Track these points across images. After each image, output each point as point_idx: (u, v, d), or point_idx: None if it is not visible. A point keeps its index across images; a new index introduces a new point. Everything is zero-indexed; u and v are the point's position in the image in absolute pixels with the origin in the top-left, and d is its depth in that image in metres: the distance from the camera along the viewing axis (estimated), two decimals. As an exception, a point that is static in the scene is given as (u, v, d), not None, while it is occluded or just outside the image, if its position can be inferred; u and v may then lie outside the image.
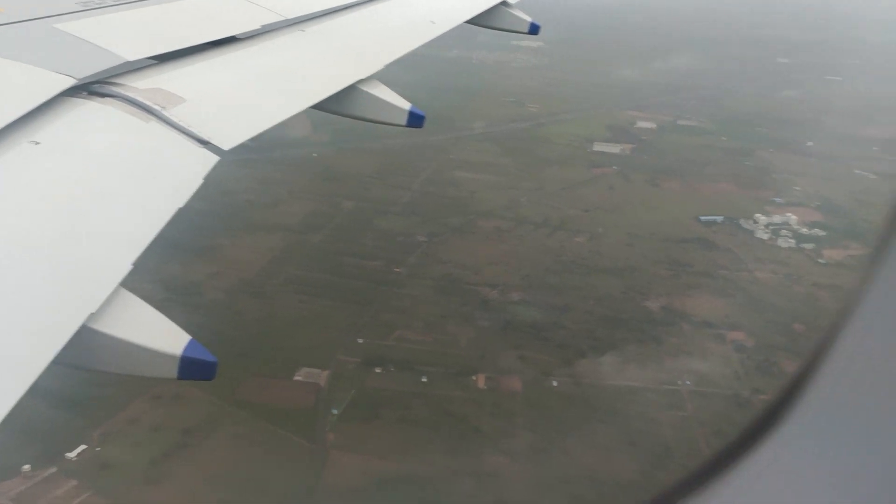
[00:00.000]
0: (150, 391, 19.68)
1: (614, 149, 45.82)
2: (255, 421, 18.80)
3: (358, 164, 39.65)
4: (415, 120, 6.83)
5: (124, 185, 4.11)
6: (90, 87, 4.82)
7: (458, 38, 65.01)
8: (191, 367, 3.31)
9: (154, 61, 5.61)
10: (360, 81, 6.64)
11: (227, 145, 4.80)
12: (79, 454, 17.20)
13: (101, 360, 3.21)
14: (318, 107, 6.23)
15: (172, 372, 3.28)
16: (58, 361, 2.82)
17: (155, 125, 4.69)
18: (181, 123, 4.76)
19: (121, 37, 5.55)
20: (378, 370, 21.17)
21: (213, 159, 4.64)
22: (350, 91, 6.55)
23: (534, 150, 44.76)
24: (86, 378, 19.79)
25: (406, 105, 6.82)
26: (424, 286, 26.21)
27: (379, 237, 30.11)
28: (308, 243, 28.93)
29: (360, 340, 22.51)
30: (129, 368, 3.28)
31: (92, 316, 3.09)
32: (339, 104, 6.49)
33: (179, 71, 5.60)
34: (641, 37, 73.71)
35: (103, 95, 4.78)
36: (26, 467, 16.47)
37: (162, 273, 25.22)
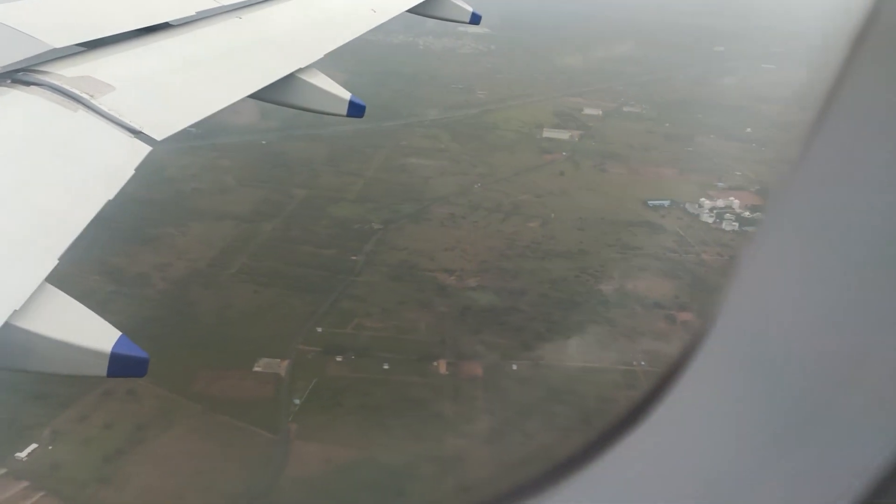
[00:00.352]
0: (101, 387, 19.01)
1: (563, 135, 46.46)
2: (213, 414, 18.41)
3: (307, 151, 39.04)
4: (355, 110, 6.78)
5: (50, 177, 3.98)
6: (14, 75, 4.67)
7: (404, 24, 64.60)
8: (121, 364, 3.22)
9: (83, 48, 5.45)
10: (300, 70, 6.56)
11: (159, 135, 4.71)
12: (29, 454, 16.51)
13: (27, 360, 3.11)
14: (256, 96, 6.15)
15: (102, 369, 3.20)
16: None
17: (83, 114, 4.54)
18: (111, 112, 4.62)
19: (47, 22, 5.33)
20: (339, 358, 21.01)
21: (146, 149, 4.54)
22: (289, 80, 6.45)
23: (483, 137, 44.98)
24: (29, 376, 18.99)
25: (346, 94, 6.76)
26: (381, 273, 26.10)
27: (333, 225, 29.79)
28: (260, 232, 28.38)
29: (320, 329, 22.29)
30: (56, 367, 3.19)
31: (16, 313, 3.00)
32: (277, 93, 6.40)
33: (109, 58, 5.44)
34: (580, 24, 74.71)
35: (28, 83, 4.62)
36: (-29, 469, 15.75)
37: (108, 265, 24.38)
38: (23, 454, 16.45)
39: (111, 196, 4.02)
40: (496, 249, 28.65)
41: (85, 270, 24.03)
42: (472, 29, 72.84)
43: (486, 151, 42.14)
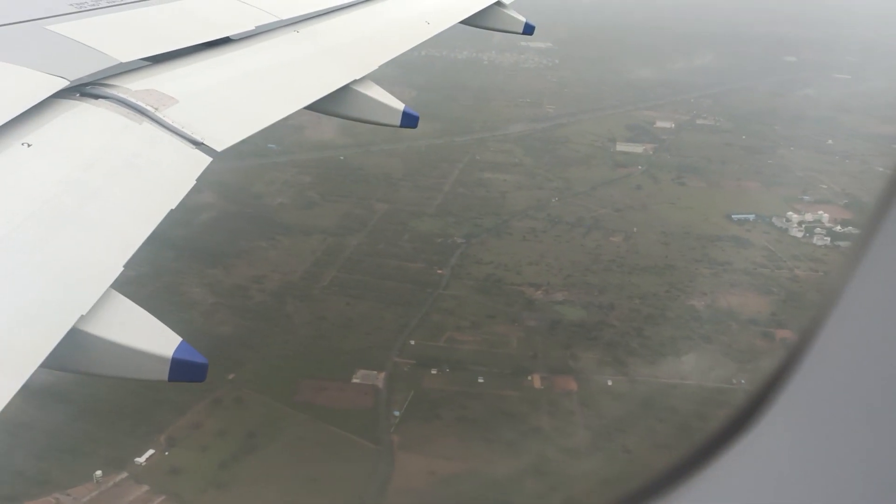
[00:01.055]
0: (210, 395, 19.73)
1: (637, 148, 45.93)
2: (318, 423, 18.85)
3: (384, 166, 39.74)
4: (408, 120, 6.82)
5: (116, 186, 4.07)
6: (83, 89, 4.79)
7: (467, 40, 65.05)
8: (182, 369, 3.27)
9: (147, 62, 5.60)
10: (354, 82, 6.64)
11: (220, 146, 4.81)
12: (147, 459, 17.24)
13: (91, 363, 3.18)
14: (312, 107, 6.24)
15: (163, 374, 3.26)
16: (48, 364, 2.81)
17: (148, 126, 4.66)
18: (174, 124, 4.74)
19: (114, 38, 5.51)
20: (434, 371, 21.23)
21: (206, 160, 4.63)
22: (344, 91, 6.54)
23: (556, 151, 44.86)
24: (144, 384, 19.84)
25: (400, 105, 6.80)
26: (468, 287, 26.28)
27: (416, 239, 30.18)
28: (347, 246, 28.99)
29: (413, 342, 22.58)
30: (120, 371, 3.26)
31: (82, 318, 3.06)
32: (333, 105, 6.49)
33: (173, 72, 5.57)
34: (645, 36, 73.86)
35: (96, 97, 4.74)
36: (98, 473, 16.52)
37: (208, 276, 25.31)
38: (141, 459, 17.19)
39: (174, 205, 4.11)
40: (581, 264, 28.48)
41: (187, 282, 25.06)
42: (535, 43, 73.24)
43: (561, 166, 42.01)
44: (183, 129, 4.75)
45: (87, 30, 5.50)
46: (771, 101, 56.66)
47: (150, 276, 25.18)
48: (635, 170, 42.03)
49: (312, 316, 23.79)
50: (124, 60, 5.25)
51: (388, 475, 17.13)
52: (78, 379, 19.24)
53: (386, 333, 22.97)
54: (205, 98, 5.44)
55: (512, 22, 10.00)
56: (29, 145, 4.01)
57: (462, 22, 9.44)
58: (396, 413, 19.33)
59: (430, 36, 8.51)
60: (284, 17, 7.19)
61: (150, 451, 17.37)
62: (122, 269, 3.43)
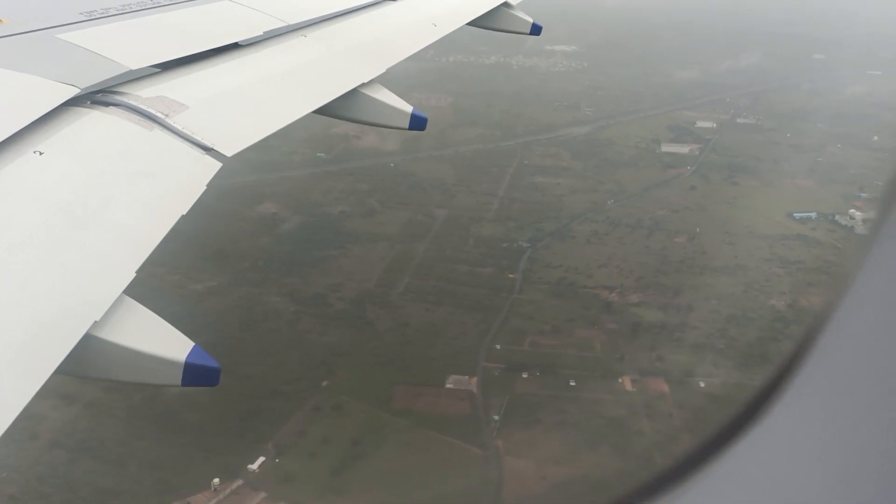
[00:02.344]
0: (308, 403, 19.92)
1: (682, 149, 45.79)
2: (419, 429, 18.96)
3: (435, 172, 39.91)
4: (417, 123, 6.86)
5: (127, 193, 4.10)
6: (94, 97, 4.84)
7: (496, 45, 65.02)
8: (195, 374, 3.30)
9: (157, 69, 5.67)
10: (363, 85, 6.69)
11: (230, 152, 4.86)
12: (259, 466, 17.42)
13: (105, 369, 3.21)
14: (321, 111, 6.30)
15: (176, 378, 3.31)
16: (62, 370, 2.85)
17: (158, 133, 4.71)
18: (184, 130, 4.78)
19: (123, 46, 5.53)
20: (524, 375, 21.29)
21: (216, 166, 4.67)
22: (352, 95, 6.58)
23: (602, 154, 44.84)
24: (244, 391, 20.05)
25: (408, 108, 6.87)
26: (542, 291, 26.32)
27: (481, 244, 30.28)
28: (415, 252, 29.13)
29: (498, 346, 22.65)
30: (133, 376, 3.31)
31: (96, 324, 3.08)
32: (341, 108, 6.54)
33: (182, 78, 5.61)
34: (669, 37, 73.60)
35: (107, 104, 4.78)
36: (216, 480, 16.71)
37: (286, 285, 25.55)
38: (254, 466, 17.37)
39: (185, 211, 4.14)
40: (650, 265, 28.45)
41: (266, 292, 25.31)
42: (561, 46, 73.19)
43: (609, 168, 42.00)
44: (193, 135, 4.78)
45: (96, 38, 5.52)
46: (809, 100, 56.35)
47: (230, 286, 25.48)
48: (685, 170, 41.91)
49: (394, 322, 23.93)
50: (134, 68, 5.29)
51: (499, 480, 17.19)
52: (178, 391, 19.49)
53: (470, 339, 23.06)
54: (214, 104, 5.47)
55: (519, 23, 10.02)
56: (41, 153, 4.02)
57: (469, 24, 9.47)
58: (496, 418, 19.40)
59: (437, 38, 8.55)
60: (292, 22, 7.24)
61: (261, 459, 17.56)
62: (134, 274, 3.46)
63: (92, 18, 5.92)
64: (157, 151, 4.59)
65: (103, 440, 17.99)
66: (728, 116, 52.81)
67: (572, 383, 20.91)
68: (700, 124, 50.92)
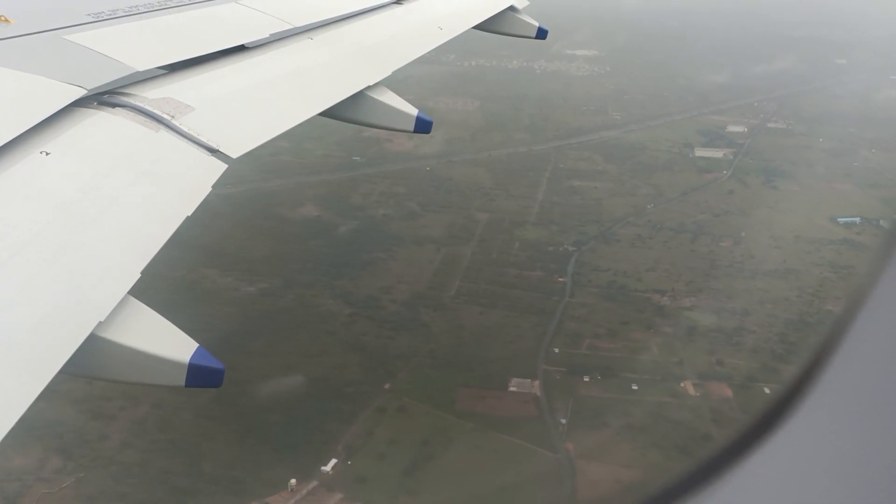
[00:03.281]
0: (372, 405, 19.92)
1: (716, 153, 45.65)
2: (487, 432, 18.91)
3: (472, 175, 39.92)
4: (422, 126, 6.92)
5: (133, 194, 4.10)
6: (100, 98, 4.84)
7: (517, 49, 65.05)
8: (199, 375, 3.29)
9: (164, 71, 5.68)
10: (368, 88, 6.71)
11: (235, 153, 4.87)
12: (332, 467, 17.42)
13: (110, 369, 3.21)
14: (327, 114, 6.32)
15: (180, 379, 3.30)
16: (67, 370, 2.83)
17: (164, 134, 4.72)
18: (190, 132, 4.79)
19: (130, 47, 5.53)
20: (586, 378, 21.22)
21: (222, 167, 4.67)
22: (358, 97, 6.60)
23: (636, 157, 44.73)
24: (308, 392, 20.07)
25: (413, 111, 6.93)
26: (593, 294, 26.26)
27: (527, 247, 30.25)
28: (462, 255, 29.13)
29: (556, 350, 22.59)
30: (138, 377, 3.31)
31: (101, 325, 3.07)
32: (347, 110, 6.55)
33: (189, 80, 5.62)
34: (687, 41, 73.39)
35: (113, 105, 4.77)
36: (293, 481, 16.72)
37: (337, 289, 25.60)
38: (327, 467, 17.37)
39: (190, 212, 4.14)
40: (698, 269, 28.34)
41: (320, 294, 25.36)
42: (582, 51, 73.24)
43: (645, 172, 41.89)
44: (199, 137, 4.78)
45: (103, 39, 5.52)
46: (834, 104, 56.20)
47: (283, 289, 25.56)
48: (721, 175, 41.76)
49: (450, 325, 23.91)
50: (141, 69, 5.30)
51: (573, 483, 17.12)
52: (243, 392, 19.53)
53: (527, 342, 23.02)
54: (220, 106, 5.47)
55: (525, 26, 9.98)
56: (47, 153, 4.01)
57: (475, 27, 9.44)
58: (563, 421, 19.33)
59: (443, 41, 8.60)
60: (298, 25, 7.25)
61: (334, 460, 17.56)
62: (139, 275, 3.45)
63: (99, 20, 5.90)
64: (162, 152, 4.58)
65: (174, 441, 18.04)
66: (757, 121, 52.69)
67: (634, 387, 20.82)
68: (731, 129, 50.80)
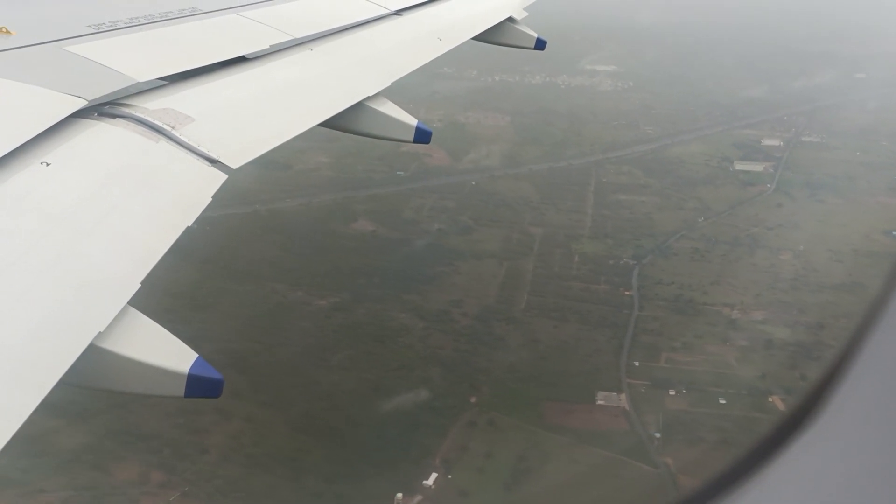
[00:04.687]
0: (460, 419, 19.84)
1: (756, 167, 45.71)
2: (581, 446, 18.81)
3: (518, 190, 40.04)
4: (421, 136, 6.90)
5: (133, 204, 4.10)
6: (101, 109, 4.84)
7: (538, 64, 65.39)
8: (198, 385, 3.25)
9: (164, 82, 5.68)
10: (368, 98, 6.68)
11: (235, 164, 4.86)
12: (434, 482, 17.33)
13: (109, 380, 3.19)
14: (327, 124, 6.31)
15: (180, 390, 3.27)
16: (67, 381, 2.80)
17: (165, 145, 4.72)
18: (190, 143, 4.79)
19: (131, 58, 5.55)
20: (672, 392, 21.11)
21: (222, 178, 4.67)
22: (358, 108, 6.60)
23: (676, 171, 44.81)
24: (396, 406, 20.01)
25: (413, 121, 6.88)
26: (662, 308, 26.20)
27: (587, 261, 30.25)
28: (524, 269, 29.13)
29: (637, 363, 22.51)
30: (137, 387, 3.28)
31: (100, 335, 3.05)
32: (347, 121, 6.54)
33: (189, 91, 5.63)
34: (704, 56, 73.52)
35: (114, 116, 4.78)
36: (399, 495, 16.64)
37: (408, 303, 25.59)
38: (429, 482, 17.28)
39: (190, 223, 4.13)
40: (763, 282, 28.27)
41: (391, 308, 25.35)
42: (602, 66, 73.58)
43: (688, 186, 41.93)
44: (199, 148, 4.78)
45: (104, 50, 5.53)
46: (865, 118, 56.22)
47: (353, 303, 25.57)
48: (765, 188, 41.81)
49: (525, 339, 23.86)
50: (141, 80, 5.33)
51: (678, 499, 16.96)
52: (331, 406, 19.48)
53: (605, 355, 22.94)
54: (220, 116, 5.48)
55: (524, 37, 10.02)
56: (48, 164, 4.01)
57: (474, 38, 9.46)
58: (657, 435, 19.21)
59: (442, 52, 8.53)
60: (298, 36, 7.25)
61: (434, 475, 17.46)
62: (139, 285, 3.42)
63: (100, 31, 5.93)
64: (163, 163, 4.60)
65: (272, 454, 17.98)
66: (790, 135, 52.77)
67: (722, 401, 20.70)
68: (766, 142, 50.87)
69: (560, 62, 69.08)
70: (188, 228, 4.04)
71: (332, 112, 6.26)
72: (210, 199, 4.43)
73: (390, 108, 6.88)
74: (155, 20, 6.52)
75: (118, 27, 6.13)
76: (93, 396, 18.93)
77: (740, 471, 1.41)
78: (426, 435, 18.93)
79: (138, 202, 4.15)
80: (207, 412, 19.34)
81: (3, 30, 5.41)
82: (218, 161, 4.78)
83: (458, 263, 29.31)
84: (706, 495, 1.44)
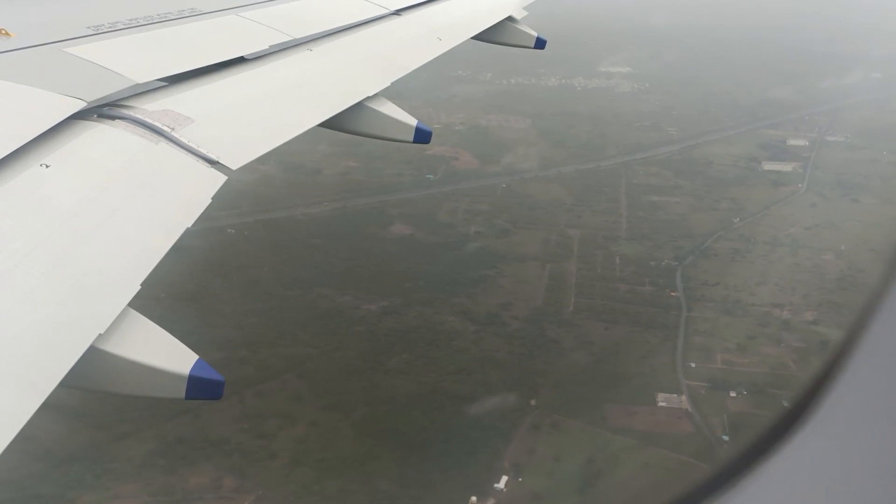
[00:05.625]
0: (523, 421, 19.79)
1: (785, 167, 45.60)
2: (649, 448, 18.74)
3: (549, 192, 40.02)
4: (421, 136, 6.84)
5: (133, 206, 4.07)
6: (100, 110, 4.82)
7: (553, 67, 65.41)
8: (199, 387, 3.24)
9: (163, 83, 5.65)
10: (367, 98, 6.64)
11: (234, 165, 4.82)
12: (505, 485, 17.28)
13: (110, 382, 3.17)
14: (327, 125, 6.25)
15: (180, 392, 3.25)
16: (67, 383, 2.78)
17: (164, 146, 4.69)
18: (190, 144, 4.77)
19: (130, 60, 5.53)
20: (732, 394, 21.02)
21: (222, 179, 4.63)
22: (358, 108, 6.55)
23: (705, 172, 44.72)
24: (458, 409, 19.97)
25: (413, 121, 6.83)
26: (711, 309, 26.12)
27: (629, 263, 30.18)
28: (567, 271, 29.08)
29: (693, 365, 22.43)
30: (137, 389, 3.27)
31: (100, 337, 3.04)
32: (346, 121, 6.50)
33: (188, 92, 5.60)
34: (717, 58, 73.35)
35: (113, 117, 4.75)
36: (473, 499, 16.60)
37: (456, 306, 25.57)
38: (500, 485, 17.24)
39: (190, 224, 4.08)
40: (809, 283, 28.17)
41: (441, 311, 25.33)
42: (617, 68, 73.49)
43: (719, 186, 41.84)
44: (199, 149, 4.76)
45: (103, 52, 5.52)
46: (886, 117, 56.17)
47: (403, 307, 25.55)
48: (797, 188, 41.70)
49: (578, 341, 23.80)
50: (140, 81, 5.30)
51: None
52: (395, 410, 19.45)
53: (659, 357, 22.87)
54: (220, 117, 5.44)
55: (523, 37, 9.97)
56: (47, 166, 4.00)
57: (474, 37, 9.40)
58: (725, 437, 19.12)
59: (442, 52, 8.47)
60: (298, 36, 7.23)
61: (505, 478, 17.41)
62: (139, 287, 3.39)
63: (99, 32, 5.92)
64: (162, 164, 4.58)
65: (342, 458, 17.95)
66: (814, 134, 52.63)
67: (786, 403, 20.52)
68: (792, 142, 50.76)
69: (575, 65, 69.15)
70: (188, 230, 4.04)
71: (332, 112, 6.27)
72: (210, 200, 4.40)
73: (390, 109, 6.87)
74: (154, 21, 6.52)
75: (117, 28, 6.12)
76: (158, 405, 18.96)
77: (738, 467, 1.39)
78: (491, 438, 18.87)
79: (138, 203, 4.15)
80: (270, 416, 19.35)
81: (3, 31, 5.40)
82: (217, 162, 4.78)
83: (501, 266, 29.28)
84: (704, 492, 1.43)
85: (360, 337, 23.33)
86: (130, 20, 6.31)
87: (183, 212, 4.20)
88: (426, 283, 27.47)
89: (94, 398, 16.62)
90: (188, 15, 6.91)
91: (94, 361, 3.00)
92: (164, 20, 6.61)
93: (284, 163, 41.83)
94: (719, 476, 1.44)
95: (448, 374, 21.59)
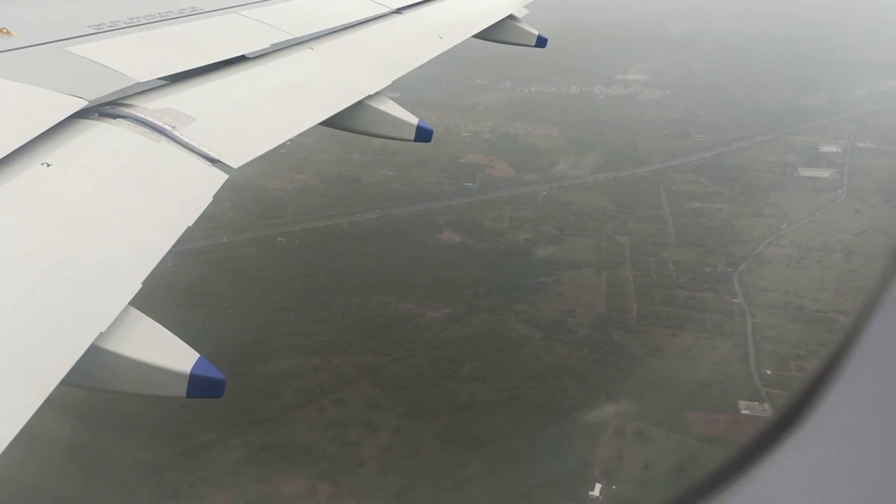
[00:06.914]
0: (606, 428, 19.65)
1: (822, 174, 45.52)
2: (738, 455, 18.55)
3: (591, 199, 39.95)
4: (422, 135, 6.79)
5: (134, 204, 4.06)
6: (101, 109, 4.80)
7: (571, 74, 65.44)
8: (200, 385, 3.23)
9: (165, 82, 5.63)
10: (369, 97, 6.63)
11: (236, 163, 4.80)
12: (599, 492, 17.13)
13: (110, 380, 3.16)
14: (328, 123, 6.23)
15: (182, 390, 3.23)
16: (68, 381, 2.76)
17: (165, 145, 4.67)
18: (191, 142, 4.74)
19: (131, 58, 5.52)
20: (814, 401, 20.84)
21: (223, 177, 4.61)
22: (359, 107, 6.53)
23: (742, 179, 44.67)
24: (538, 417, 19.83)
25: (414, 120, 6.79)
26: (775, 315, 25.98)
27: (683, 269, 30.07)
28: (623, 278, 28.98)
29: (768, 371, 22.28)
30: (138, 388, 3.25)
31: (101, 335, 3.03)
32: (348, 120, 6.48)
33: (189, 91, 5.58)
34: (733, 66, 73.39)
35: (114, 116, 4.74)
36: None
37: (520, 314, 25.48)
38: (595, 492, 17.09)
39: (191, 222, 4.07)
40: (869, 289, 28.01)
41: (505, 319, 25.23)
42: (636, 76, 73.57)
43: (759, 193, 41.78)
44: (200, 147, 4.75)
45: (104, 50, 5.53)
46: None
47: (467, 314, 25.46)
48: (837, 194, 41.61)
49: (647, 348, 23.67)
50: (142, 80, 5.28)
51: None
52: (473, 415, 19.31)
53: (732, 364, 22.72)
54: (221, 116, 5.44)
55: (525, 35, 9.93)
56: (48, 165, 4.00)
57: (475, 36, 9.35)
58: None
59: (443, 50, 8.46)
60: (299, 35, 7.21)
61: (598, 485, 17.26)
62: (140, 285, 3.40)
63: (100, 31, 5.93)
64: (163, 163, 4.59)
65: (430, 466, 17.82)
66: (845, 141, 52.55)
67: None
68: (825, 149, 50.71)
69: (592, 73, 69.36)
70: (189, 228, 4.02)
71: (334, 111, 6.27)
72: (211, 199, 4.38)
73: (391, 107, 6.85)
74: (155, 20, 6.52)
75: (118, 27, 6.12)
76: (240, 411, 18.87)
77: (735, 467, 1.39)
78: (577, 445, 18.74)
79: (139, 202, 4.14)
80: (352, 424, 19.24)
81: (4, 30, 5.39)
82: (219, 161, 4.77)
83: (557, 273, 29.19)
84: (703, 491, 1.44)
85: (428, 344, 23.23)
86: (131, 19, 6.33)
87: (184, 210, 4.20)
88: (485, 290, 27.38)
89: (168, 407, 16.56)
90: (189, 14, 6.94)
91: (95, 360, 3.01)
92: (165, 19, 6.63)
93: (321, 172, 41.90)
94: (718, 475, 1.42)
95: (523, 381, 21.46)
